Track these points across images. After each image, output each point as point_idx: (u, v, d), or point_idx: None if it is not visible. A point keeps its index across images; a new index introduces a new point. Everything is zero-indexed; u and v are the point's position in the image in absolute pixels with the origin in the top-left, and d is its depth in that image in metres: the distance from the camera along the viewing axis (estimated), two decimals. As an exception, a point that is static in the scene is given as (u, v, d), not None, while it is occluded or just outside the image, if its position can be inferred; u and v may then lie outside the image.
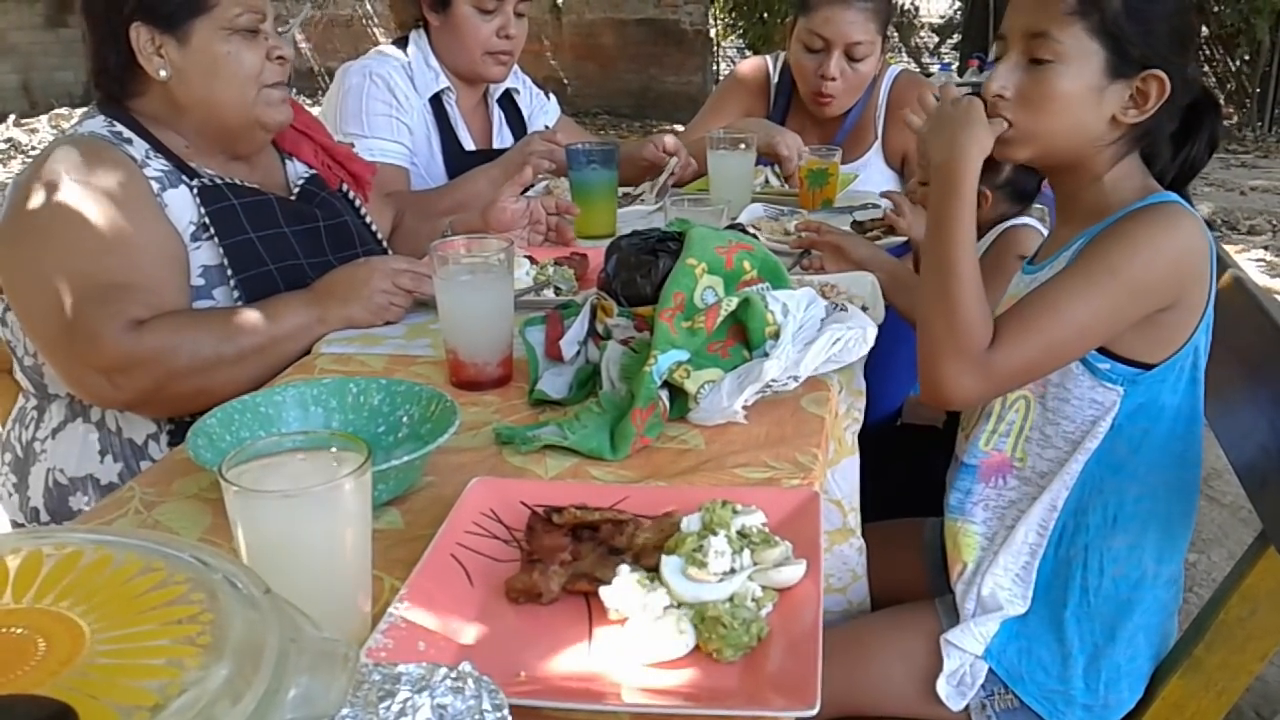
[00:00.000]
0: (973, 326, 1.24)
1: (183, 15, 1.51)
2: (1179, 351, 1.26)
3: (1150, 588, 1.34)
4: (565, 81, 10.98)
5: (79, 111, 1.53)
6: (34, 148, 8.63)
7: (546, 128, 2.49)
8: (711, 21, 11.21)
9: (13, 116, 9.62)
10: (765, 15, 10.82)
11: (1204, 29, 9.79)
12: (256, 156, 1.71)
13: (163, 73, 1.53)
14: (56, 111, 9.70)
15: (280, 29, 1.62)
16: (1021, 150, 1.33)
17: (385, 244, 1.89)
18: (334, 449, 0.85)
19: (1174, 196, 1.27)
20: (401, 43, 2.43)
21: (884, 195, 2.18)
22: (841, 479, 1.39)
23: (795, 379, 1.26)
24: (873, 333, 1.26)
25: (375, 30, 11.63)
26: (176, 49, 1.52)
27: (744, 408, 1.22)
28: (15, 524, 1.62)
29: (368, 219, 1.85)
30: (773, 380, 1.22)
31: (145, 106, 1.58)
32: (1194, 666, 1.32)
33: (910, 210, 2.00)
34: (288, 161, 1.78)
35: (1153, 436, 1.30)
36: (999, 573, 1.35)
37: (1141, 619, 1.33)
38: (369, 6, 11.72)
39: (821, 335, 1.22)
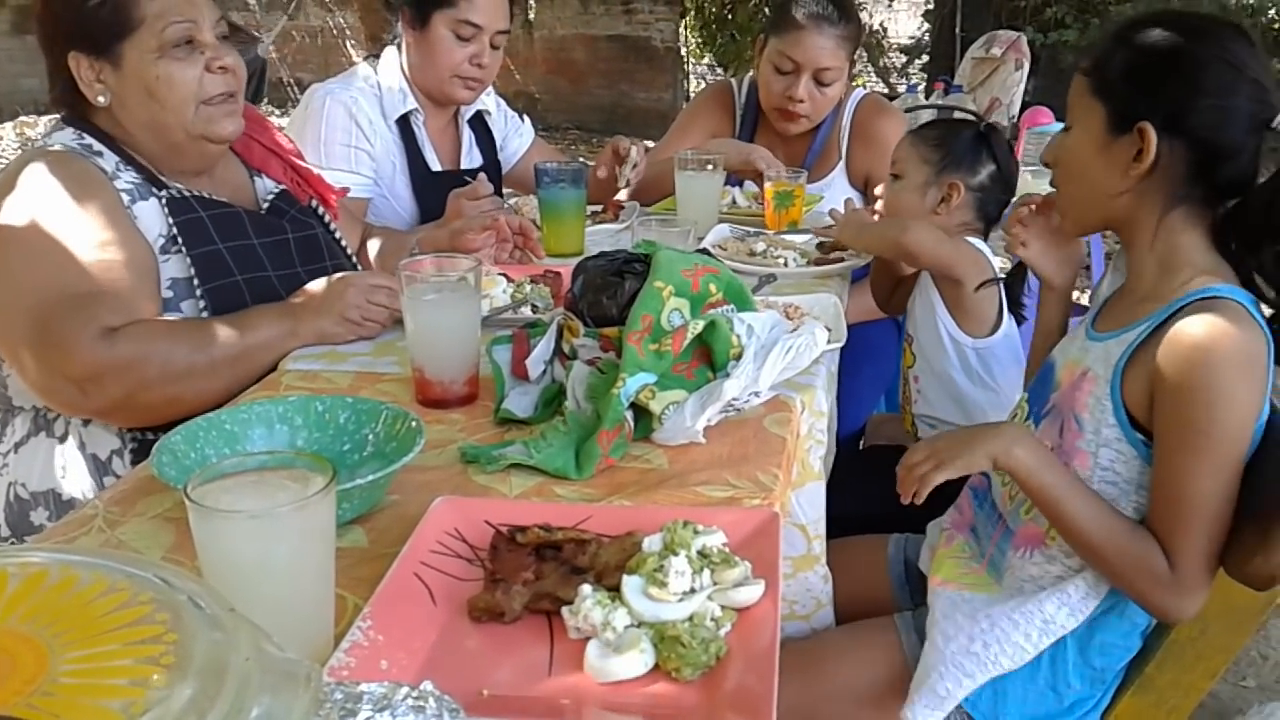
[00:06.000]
0: (1139, 564, 1.22)
1: (112, 39, 1.50)
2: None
3: (1140, 637, 1.36)
4: (536, 96, 11.00)
5: (44, 119, 1.53)
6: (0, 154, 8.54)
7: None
8: (682, 38, 11.27)
9: (-24, 123, 9.52)
10: (735, 33, 10.91)
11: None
12: (222, 172, 1.71)
13: (101, 99, 1.53)
14: (21, 119, 9.60)
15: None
16: (1066, 223, 1.41)
17: (355, 259, 1.90)
18: (299, 469, 0.86)
19: (1227, 292, 1.22)
20: (375, 60, 2.44)
21: (836, 210, 2.17)
22: (807, 503, 1.40)
23: (756, 394, 1.27)
24: (822, 335, 1.28)
25: (347, 43, 11.61)
26: (112, 74, 1.52)
27: (705, 428, 1.24)
28: (-25, 537, 1.61)
29: (337, 234, 1.86)
30: (734, 399, 1.24)
31: (102, 124, 1.58)
32: (1145, 685, 1.35)
33: (851, 223, 1.99)
34: (256, 178, 1.78)
35: None
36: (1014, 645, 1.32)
37: (1122, 662, 1.36)
38: (340, 19, 11.69)
39: (775, 349, 1.24)
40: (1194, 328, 1.19)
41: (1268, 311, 1.25)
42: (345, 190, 1.97)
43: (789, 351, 1.24)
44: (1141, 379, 1.25)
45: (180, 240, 1.53)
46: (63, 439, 1.53)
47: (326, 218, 1.85)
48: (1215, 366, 1.17)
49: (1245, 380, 1.18)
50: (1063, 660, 1.33)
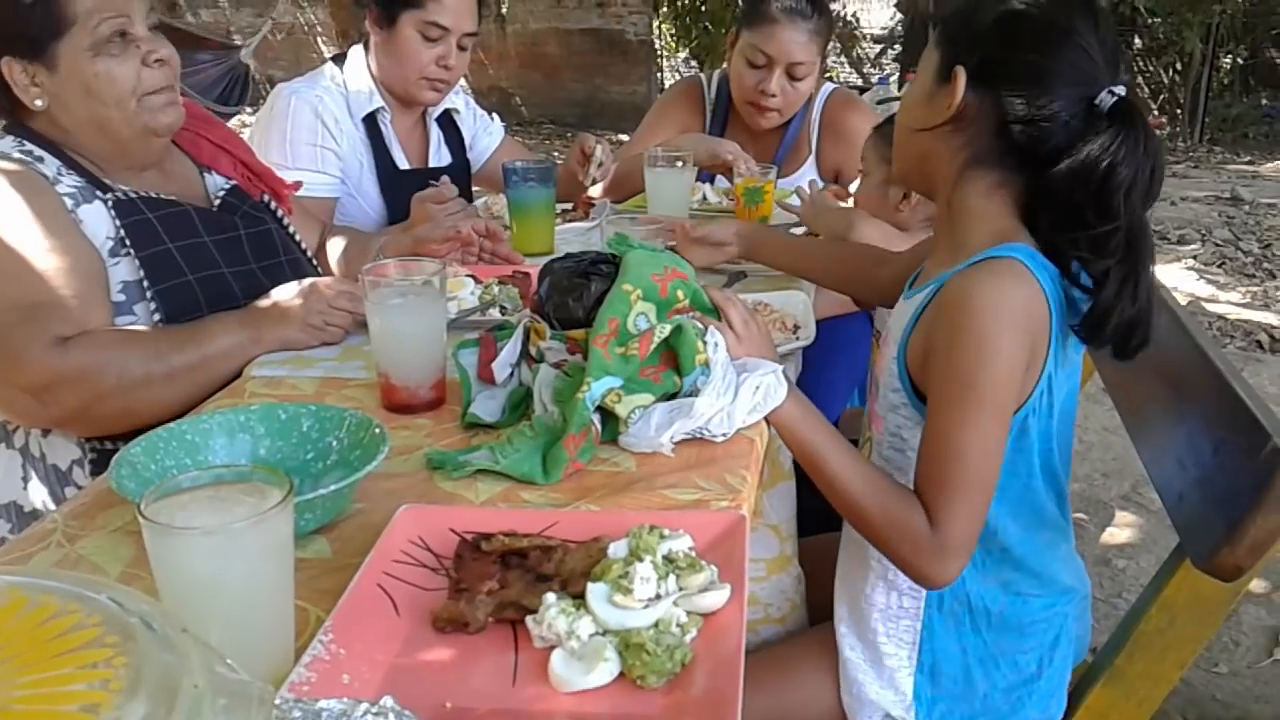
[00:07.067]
0: (901, 526, 1.18)
1: (44, 41, 1.47)
2: (1025, 403, 1.22)
3: (1045, 608, 1.33)
4: (509, 91, 10.97)
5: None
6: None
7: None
8: (656, 31, 11.26)
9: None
10: (709, 25, 10.92)
11: (1135, 41, 10.04)
12: (171, 169, 1.68)
13: (39, 102, 1.50)
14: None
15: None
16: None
17: (311, 256, 1.88)
18: (255, 482, 0.84)
19: (1009, 251, 1.19)
20: (341, 59, 2.42)
21: (803, 188, 2.22)
22: (779, 503, 1.40)
23: (725, 435, 1.24)
24: (781, 387, 1.24)
25: (318, 40, 11.54)
26: (48, 76, 1.49)
27: (672, 442, 1.22)
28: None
29: (291, 229, 1.84)
30: (706, 428, 1.22)
31: (41, 129, 1.55)
32: (1115, 676, 1.35)
33: (814, 203, 2.06)
34: (206, 175, 1.76)
35: (1008, 475, 1.25)
36: (884, 643, 1.32)
37: (1048, 637, 1.34)
38: (311, 15, 11.62)
39: (745, 385, 1.22)
40: (963, 281, 1.18)
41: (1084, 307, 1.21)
42: (298, 184, 1.95)
43: (758, 390, 1.22)
44: (920, 341, 1.24)
45: (128, 242, 1.50)
46: (23, 450, 1.52)
47: (280, 213, 1.83)
48: (976, 314, 1.15)
49: (1009, 332, 1.15)
50: (979, 635, 1.32)
